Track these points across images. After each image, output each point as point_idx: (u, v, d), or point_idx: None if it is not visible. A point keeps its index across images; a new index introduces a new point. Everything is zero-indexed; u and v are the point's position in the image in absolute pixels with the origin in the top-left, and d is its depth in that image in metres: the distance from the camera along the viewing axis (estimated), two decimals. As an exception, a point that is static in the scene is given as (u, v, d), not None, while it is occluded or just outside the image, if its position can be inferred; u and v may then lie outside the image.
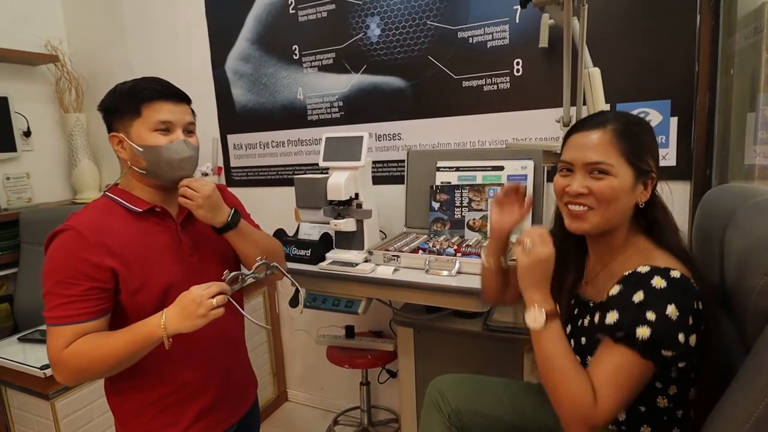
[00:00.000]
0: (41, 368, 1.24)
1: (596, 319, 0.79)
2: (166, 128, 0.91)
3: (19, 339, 1.44)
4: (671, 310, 0.69)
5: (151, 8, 2.16)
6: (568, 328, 0.88)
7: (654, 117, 1.41)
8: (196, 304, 0.81)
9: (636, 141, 0.79)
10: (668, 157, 1.41)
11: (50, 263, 0.85)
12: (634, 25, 1.38)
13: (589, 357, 0.79)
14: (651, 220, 0.81)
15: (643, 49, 1.39)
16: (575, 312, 0.89)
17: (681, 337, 0.68)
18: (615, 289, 0.75)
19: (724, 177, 1.32)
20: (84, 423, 1.36)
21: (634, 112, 1.42)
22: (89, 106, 2.39)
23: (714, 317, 0.73)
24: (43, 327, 1.50)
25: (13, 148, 2.17)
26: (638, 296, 0.71)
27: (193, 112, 0.99)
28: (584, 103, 1.28)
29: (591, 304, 0.86)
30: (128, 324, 0.86)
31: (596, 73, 1.26)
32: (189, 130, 0.96)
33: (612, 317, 0.73)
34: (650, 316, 0.69)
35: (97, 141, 2.44)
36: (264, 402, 2.10)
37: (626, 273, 0.75)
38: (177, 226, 0.97)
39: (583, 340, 0.83)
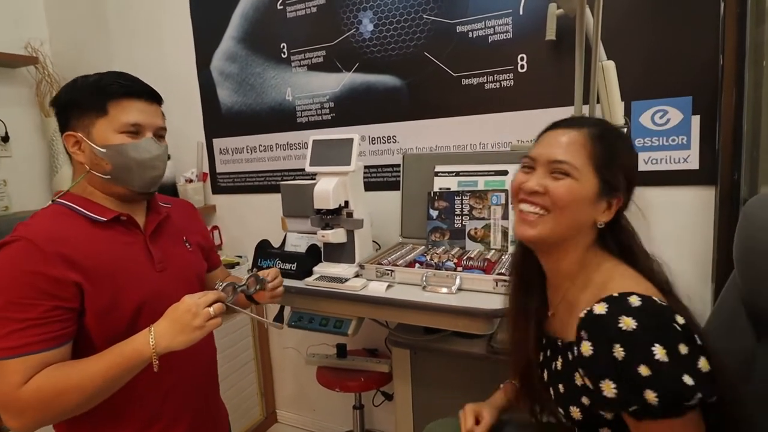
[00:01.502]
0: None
1: (572, 368, 0.67)
2: (136, 131, 0.81)
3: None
4: (659, 352, 0.56)
5: (135, 8, 2.07)
6: (545, 374, 0.75)
7: (673, 115, 1.28)
8: (192, 314, 0.72)
9: (610, 150, 0.69)
10: (690, 159, 1.28)
11: (0, 279, 0.70)
12: (651, 15, 1.26)
13: (571, 407, 0.67)
14: (620, 247, 0.71)
15: (660, 41, 1.26)
16: (547, 353, 0.76)
17: (687, 379, 0.56)
18: (586, 348, 0.61)
19: (754, 182, 1.19)
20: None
21: (652, 110, 1.30)
22: (71, 110, 2.29)
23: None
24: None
25: (-10, 155, 2.06)
26: (618, 352, 0.58)
27: (162, 114, 0.88)
28: (598, 101, 1.15)
29: (559, 343, 0.73)
30: (93, 353, 0.73)
31: (611, 66, 1.14)
32: (160, 135, 0.86)
33: (609, 390, 0.59)
34: (644, 371, 0.57)
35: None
36: (251, 424, 1.96)
37: (583, 316, 0.63)
38: (145, 237, 0.86)
39: (561, 387, 0.70)
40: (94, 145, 0.79)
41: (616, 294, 0.61)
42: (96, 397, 0.72)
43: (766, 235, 0.68)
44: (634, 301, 0.60)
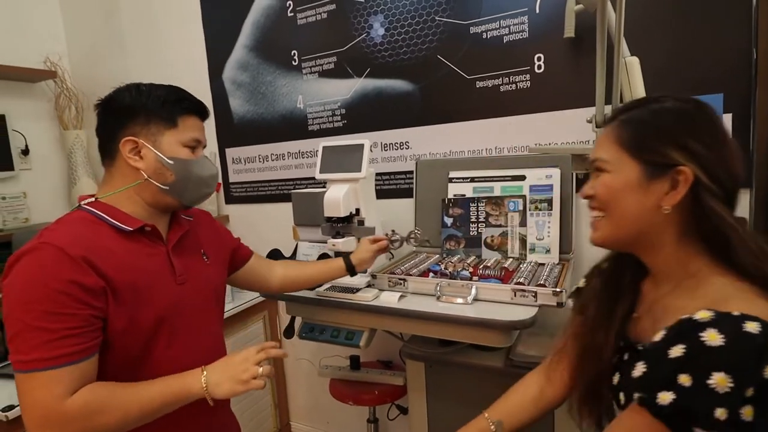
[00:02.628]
0: (3, 410, 1.11)
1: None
2: (194, 146, 0.85)
3: (-8, 374, 1.32)
4: (718, 379, 0.50)
5: (149, 21, 2.10)
6: (616, 378, 0.69)
7: (703, 114, 1.21)
8: (243, 368, 0.76)
9: (643, 128, 0.64)
10: (722, 160, 1.20)
11: (24, 291, 0.68)
12: (677, 7, 1.20)
13: None
14: (709, 235, 0.61)
15: (688, 35, 1.20)
16: (625, 357, 0.70)
17: (721, 413, 0.50)
18: (658, 335, 0.57)
19: (794, 183, 1.10)
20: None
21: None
22: (89, 123, 2.32)
23: None
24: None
25: (11, 167, 2.10)
26: (676, 350, 0.54)
27: None
28: (621, 100, 1.09)
29: (640, 348, 0.67)
30: (109, 362, 0.74)
31: (634, 62, 1.08)
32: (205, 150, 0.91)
33: (639, 369, 0.57)
34: (684, 379, 0.52)
35: (97, 158, 2.36)
36: (265, 437, 1.93)
37: (682, 317, 0.56)
38: (168, 249, 0.84)
39: (636, 395, 0.63)
40: (162, 156, 0.80)
41: (736, 312, 0.54)
42: (136, 422, 0.73)
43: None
44: (752, 327, 0.52)
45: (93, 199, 0.81)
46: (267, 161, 1.89)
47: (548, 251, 1.28)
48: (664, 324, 0.59)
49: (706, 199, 0.60)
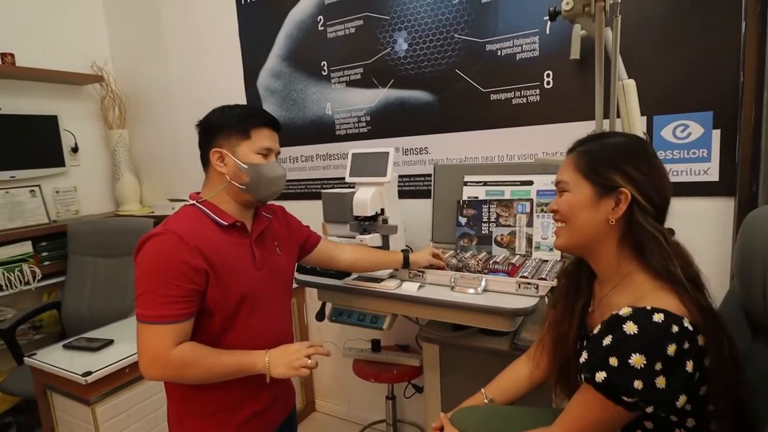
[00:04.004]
0: (83, 375, 1.30)
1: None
2: (266, 153, 1.01)
3: (64, 346, 1.52)
4: (635, 359, 0.67)
5: (189, 29, 2.26)
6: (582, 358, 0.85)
7: (695, 129, 1.34)
8: (296, 357, 0.97)
9: (593, 157, 0.80)
10: (710, 172, 1.34)
11: (151, 264, 0.89)
12: (674, 34, 1.33)
13: None
14: (635, 241, 0.78)
15: (683, 59, 1.33)
16: (583, 343, 0.87)
17: (638, 384, 0.66)
18: (596, 329, 0.74)
19: (772, 193, 1.24)
20: (122, 428, 1.41)
21: (673, 125, 1.37)
22: (131, 123, 2.52)
23: (718, 345, 0.69)
24: (88, 334, 1.59)
25: (62, 164, 2.31)
26: (607, 340, 0.70)
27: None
28: (618, 116, 1.23)
29: (588, 337, 0.83)
30: (208, 324, 0.95)
31: (631, 85, 1.22)
32: (277, 155, 1.08)
33: (584, 356, 0.74)
34: (612, 361, 0.69)
35: (138, 156, 2.56)
36: (292, 412, 2.13)
37: (612, 313, 0.72)
38: (251, 241, 1.04)
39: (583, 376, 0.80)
40: (239, 162, 0.98)
41: (648, 306, 0.69)
42: (213, 379, 0.95)
43: (759, 243, 0.77)
44: (658, 317, 0.68)
45: (201, 199, 1.02)
46: (297, 162, 2.06)
47: (551, 249, 1.43)
48: (605, 318, 0.74)
49: (636, 214, 0.77)
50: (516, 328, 1.31)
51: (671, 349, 0.66)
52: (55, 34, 2.33)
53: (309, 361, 0.97)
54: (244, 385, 1.01)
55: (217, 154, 0.99)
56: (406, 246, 1.32)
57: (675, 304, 0.70)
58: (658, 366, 0.66)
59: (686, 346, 0.67)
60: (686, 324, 0.68)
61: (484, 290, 1.24)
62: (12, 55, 2.08)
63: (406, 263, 1.33)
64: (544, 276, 1.23)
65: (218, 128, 1.00)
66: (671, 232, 0.79)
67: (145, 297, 0.89)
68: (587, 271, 0.90)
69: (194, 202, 1.01)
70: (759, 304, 0.73)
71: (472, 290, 1.25)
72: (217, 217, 0.99)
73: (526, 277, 1.23)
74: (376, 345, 1.80)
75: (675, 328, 0.67)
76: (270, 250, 1.09)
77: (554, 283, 1.02)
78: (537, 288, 1.19)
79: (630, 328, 0.68)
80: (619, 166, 0.78)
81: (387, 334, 1.84)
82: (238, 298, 0.98)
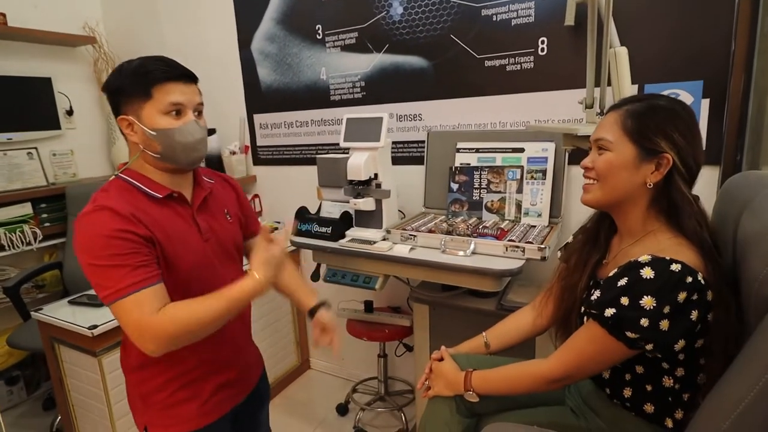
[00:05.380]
0: (89, 328, 1.36)
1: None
2: (178, 110, 0.88)
3: (69, 302, 1.58)
4: (646, 300, 0.72)
5: (182, -11, 2.21)
6: (582, 308, 0.91)
7: (684, 99, 1.36)
8: (279, 260, 0.89)
9: (643, 120, 0.81)
10: (696, 140, 1.37)
11: (92, 243, 0.80)
12: (667, 2, 1.32)
13: None
14: (670, 204, 0.82)
15: (675, 27, 1.33)
16: (591, 291, 0.91)
17: (644, 322, 0.72)
18: (613, 272, 0.79)
19: (755, 163, 1.27)
20: (126, 380, 1.49)
21: (664, 93, 1.38)
22: (125, 86, 2.49)
23: (725, 305, 0.74)
24: (91, 291, 1.64)
25: (58, 126, 2.31)
26: (622, 281, 0.75)
27: (199, 91, 0.94)
28: (609, 84, 1.25)
29: (601, 282, 0.88)
30: None
31: (623, 52, 1.23)
32: (198, 111, 0.92)
33: (595, 294, 0.79)
34: (623, 300, 0.74)
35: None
36: (288, 369, 2.22)
37: (630, 260, 0.77)
38: (192, 211, 0.95)
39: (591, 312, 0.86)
40: (145, 128, 0.86)
41: (666, 257, 0.74)
42: (214, 327, 0.85)
43: (733, 205, 0.81)
44: (675, 267, 0.72)
45: (122, 169, 0.91)
46: (292, 127, 2.07)
47: (540, 215, 1.48)
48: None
49: (677, 180, 0.80)
50: (502, 288, 1.37)
51: (681, 296, 0.71)
52: (44, -8, 2.28)
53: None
54: (209, 358, 0.96)
55: (124, 122, 0.88)
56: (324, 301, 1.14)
57: (694, 259, 0.75)
58: (666, 309, 0.72)
59: (695, 297, 0.72)
60: (699, 278, 0.72)
61: (473, 253, 1.29)
62: (3, 15, 2.04)
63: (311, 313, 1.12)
64: (530, 240, 1.28)
65: (118, 92, 0.87)
66: (696, 198, 0.83)
67: (101, 278, 0.80)
68: (606, 227, 0.94)
69: (118, 173, 0.90)
70: (729, 262, 0.78)
71: (461, 252, 1.30)
72: (149, 190, 0.89)
73: (514, 241, 1.27)
74: (368, 306, 1.87)
75: (689, 279, 0.72)
76: (217, 217, 1.00)
77: (570, 239, 1.05)
78: (523, 251, 1.24)
79: (647, 272, 0.73)
80: (666, 131, 0.79)
81: (379, 296, 1.92)
82: (186, 272, 0.89)
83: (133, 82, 0.86)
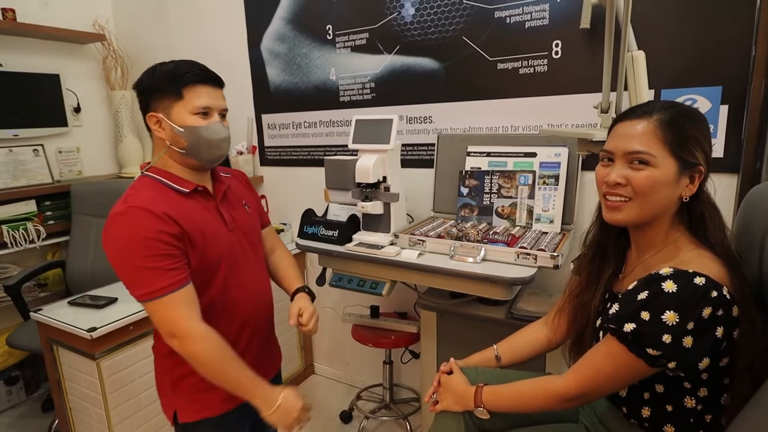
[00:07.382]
0: (88, 330, 1.34)
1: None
2: (205, 112, 0.94)
3: (69, 303, 1.55)
4: (669, 315, 0.68)
5: (191, -13, 2.20)
6: (598, 321, 0.87)
7: (702, 104, 1.33)
8: (295, 417, 0.93)
9: (682, 132, 0.76)
10: (715, 148, 1.33)
11: (134, 242, 0.85)
12: (687, 6, 1.29)
13: None
14: (695, 215, 0.78)
15: (694, 32, 1.30)
16: (607, 306, 0.88)
17: (667, 338, 0.68)
18: (632, 285, 0.75)
19: (775, 171, 1.23)
20: (126, 382, 1.46)
21: (681, 99, 1.35)
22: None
23: (752, 321, 0.71)
24: (93, 292, 1.62)
25: (65, 123, 2.30)
26: (642, 295, 0.71)
27: (224, 97, 1.01)
28: (626, 89, 1.22)
29: (620, 295, 0.84)
30: None
31: (640, 56, 1.20)
32: (223, 114, 1.00)
33: (614, 308, 0.75)
34: (644, 315, 0.70)
35: (141, 118, 2.54)
36: (291, 373, 2.19)
37: (651, 272, 0.73)
38: (216, 203, 1.02)
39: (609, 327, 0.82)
40: (174, 125, 0.92)
41: (690, 270, 0.70)
42: (216, 381, 0.91)
43: (759, 217, 0.77)
44: (699, 280, 0.68)
45: (148, 166, 0.97)
46: (300, 128, 2.05)
47: (552, 221, 1.44)
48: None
49: (706, 191, 0.78)
50: (513, 297, 1.33)
51: (706, 312, 0.68)
52: (54, -11, 2.27)
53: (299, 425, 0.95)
54: (239, 345, 1.01)
55: (153, 119, 0.94)
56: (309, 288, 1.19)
57: (719, 272, 0.71)
58: (690, 326, 0.68)
59: (720, 312, 0.68)
60: (725, 292, 0.69)
61: (483, 259, 1.26)
62: (13, 11, 2.03)
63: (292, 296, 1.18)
64: (542, 247, 1.24)
65: (150, 90, 0.94)
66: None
67: (138, 278, 0.86)
68: (614, 239, 0.90)
69: (143, 171, 0.97)
70: (755, 275, 0.75)
71: (470, 259, 1.27)
72: (176, 185, 0.95)
73: (525, 248, 1.24)
74: (374, 311, 1.83)
75: (714, 293, 0.68)
76: (238, 209, 1.08)
77: (582, 251, 1.01)
78: (535, 259, 1.21)
79: (669, 286, 0.69)
80: (701, 143, 0.76)
81: (386, 301, 1.88)
82: (215, 262, 0.97)
83: (167, 83, 0.93)
